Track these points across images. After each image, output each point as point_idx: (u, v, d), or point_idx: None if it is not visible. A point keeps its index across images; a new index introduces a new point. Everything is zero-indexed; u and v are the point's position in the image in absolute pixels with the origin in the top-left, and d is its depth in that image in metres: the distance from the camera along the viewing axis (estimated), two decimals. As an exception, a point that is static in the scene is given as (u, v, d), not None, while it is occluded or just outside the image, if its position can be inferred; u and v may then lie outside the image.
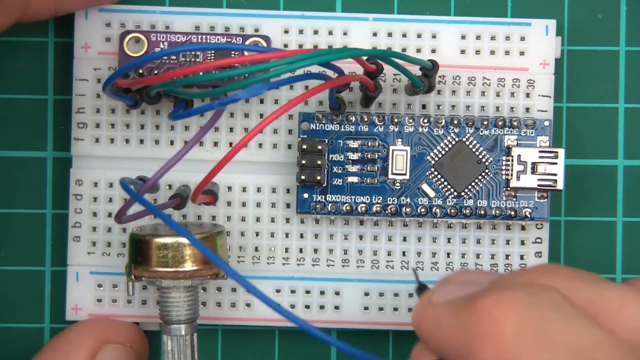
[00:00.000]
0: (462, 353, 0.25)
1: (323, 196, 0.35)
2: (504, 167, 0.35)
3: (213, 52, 0.35)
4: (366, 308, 0.36)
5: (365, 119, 0.35)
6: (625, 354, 0.23)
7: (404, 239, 0.36)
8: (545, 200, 0.35)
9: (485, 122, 0.35)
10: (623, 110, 0.37)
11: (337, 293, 0.36)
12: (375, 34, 0.36)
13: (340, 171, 0.35)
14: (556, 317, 0.24)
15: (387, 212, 0.35)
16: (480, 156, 0.35)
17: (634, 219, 0.37)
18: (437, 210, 0.35)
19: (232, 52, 0.35)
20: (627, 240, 0.37)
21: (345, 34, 0.36)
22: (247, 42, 0.35)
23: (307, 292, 0.36)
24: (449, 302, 0.27)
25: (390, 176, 0.35)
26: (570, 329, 0.24)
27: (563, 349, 0.24)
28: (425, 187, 0.35)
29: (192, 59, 0.35)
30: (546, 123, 0.35)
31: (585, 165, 0.37)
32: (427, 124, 0.35)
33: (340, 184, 0.35)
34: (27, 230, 0.37)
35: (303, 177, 0.35)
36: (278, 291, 0.36)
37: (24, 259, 0.37)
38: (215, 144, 0.36)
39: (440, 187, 0.35)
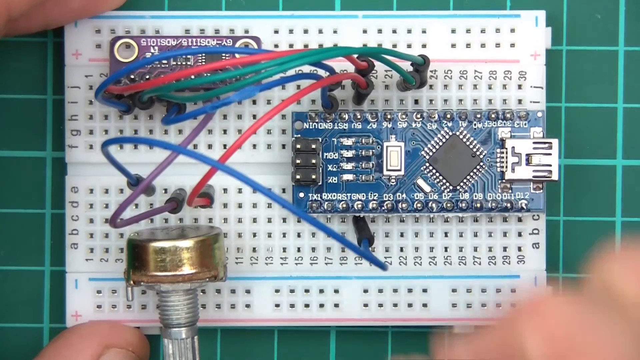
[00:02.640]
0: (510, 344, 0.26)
1: (319, 195, 0.35)
2: (498, 160, 0.35)
3: (204, 55, 0.35)
4: (365, 305, 0.36)
5: (358, 116, 0.35)
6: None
7: (401, 235, 0.36)
8: (541, 191, 0.35)
9: (478, 115, 0.35)
10: (622, 110, 0.37)
11: (336, 291, 0.36)
12: (365, 31, 0.36)
13: (335, 169, 0.35)
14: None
15: (383, 208, 0.35)
16: (475, 149, 0.35)
17: (632, 219, 0.37)
18: (433, 205, 0.35)
19: (223, 55, 0.35)
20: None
21: (335, 32, 0.36)
22: (238, 44, 0.35)
23: (306, 290, 0.36)
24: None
25: (385, 172, 0.35)
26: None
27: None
28: (420, 182, 0.35)
29: (183, 63, 0.35)
30: (539, 114, 0.35)
31: (583, 165, 0.37)
32: (420, 119, 0.35)
33: (336, 182, 0.35)
34: (26, 230, 0.37)
35: (298, 177, 0.35)
36: (277, 291, 0.36)
37: (23, 259, 0.37)
38: (210, 146, 0.36)
39: (435, 181, 0.35)
